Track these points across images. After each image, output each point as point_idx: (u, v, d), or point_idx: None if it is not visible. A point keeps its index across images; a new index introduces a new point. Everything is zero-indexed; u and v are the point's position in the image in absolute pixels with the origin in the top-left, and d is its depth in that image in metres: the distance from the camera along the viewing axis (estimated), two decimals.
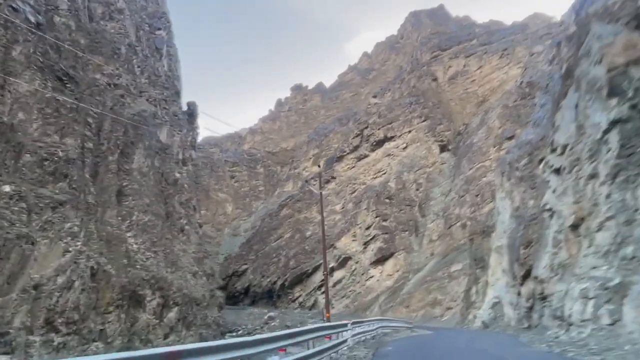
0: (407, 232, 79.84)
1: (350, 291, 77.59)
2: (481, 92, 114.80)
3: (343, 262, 79.75)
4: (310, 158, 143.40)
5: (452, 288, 59.50)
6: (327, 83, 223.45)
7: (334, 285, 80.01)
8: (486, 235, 46.03)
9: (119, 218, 28.38)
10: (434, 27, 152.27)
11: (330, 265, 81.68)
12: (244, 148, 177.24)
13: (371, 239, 77.85)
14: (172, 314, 28.90)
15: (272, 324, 75.45)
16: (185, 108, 72.17)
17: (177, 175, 40.43)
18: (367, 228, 79.36)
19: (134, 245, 28.37)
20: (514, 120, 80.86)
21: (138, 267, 27.32)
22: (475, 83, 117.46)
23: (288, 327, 70.16)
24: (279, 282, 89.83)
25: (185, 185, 41.16)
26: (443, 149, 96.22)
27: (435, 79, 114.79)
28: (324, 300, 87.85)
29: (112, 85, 32.36)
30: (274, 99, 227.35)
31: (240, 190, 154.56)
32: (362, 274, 76.82)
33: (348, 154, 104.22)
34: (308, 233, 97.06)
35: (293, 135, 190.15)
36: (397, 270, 74.81)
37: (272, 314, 77.58)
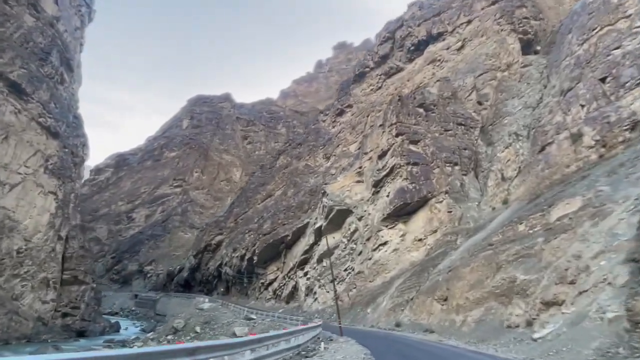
0: (457, 167, 43.05)
1: (346, 270, 42.26)
2: None
3: (337, 218, 44.51)
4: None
5: (559, 253, 22.64)
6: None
7: (320, 260, 45.02)
8: None
9: None
10: None
11: (317, 225, 46.85)
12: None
13: (386, 176, 41.95)
14: None
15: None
16: None
17: None
18: (381, 156, 43.43)
19: None
20: None
21: None
22: None
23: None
24: (247, 257, 56.20)
25: None
26: (528, 46, 57.68)
27: None
28: (304, 286, 52.95)
29: None
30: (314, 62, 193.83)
31: (254, 154, 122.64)
32: (368, 239, 41.15)
33: (372, 69, 68.41)
34: (308, 187, 62.64)
35: (332, 97, 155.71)
36: (434, 231, 38.35)
37: (206, 304, 44.25)
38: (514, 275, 24.97)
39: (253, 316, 32.51)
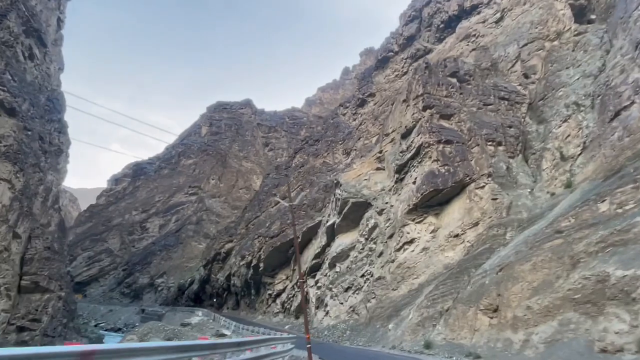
0: (501, 148, 34.63)
1: (363, 276, 34.14)
2: None
3: (353, 213, 36.60)
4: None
5: None
6: None
7: (332, 264, 37.05)
8: None
9: None
10: None
11: (330, 222, 39.09)
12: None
13: (412, 158, 33.94)
14: None
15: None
16: None
17: None
18: (405, 135, 35.50)
19: None
20: None
21: None
22: None
23: None
24: (253, 264, 48.79)
25: None
26: (580, 14, 48.91)
27: None
28: (314, 297, 44.01)
29: None
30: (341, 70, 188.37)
31: (275, 161, 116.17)
32: (391, 237, 33.02)
33: (397, 53, 60.85)
34: (323, 183, 55.10)
35: None
36: (474, 224, 29.91)
37: (196, 318, 36.83)
38: (604, 270, 16.46)
39: (226, 332, 24.98)
